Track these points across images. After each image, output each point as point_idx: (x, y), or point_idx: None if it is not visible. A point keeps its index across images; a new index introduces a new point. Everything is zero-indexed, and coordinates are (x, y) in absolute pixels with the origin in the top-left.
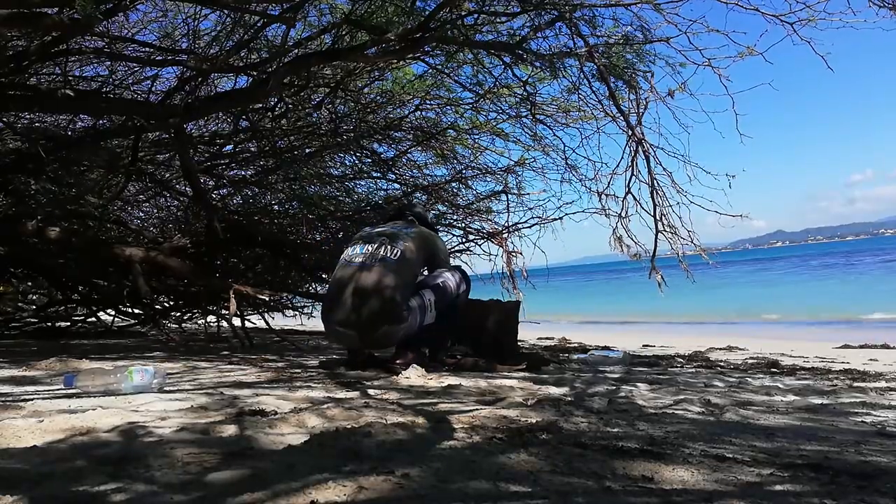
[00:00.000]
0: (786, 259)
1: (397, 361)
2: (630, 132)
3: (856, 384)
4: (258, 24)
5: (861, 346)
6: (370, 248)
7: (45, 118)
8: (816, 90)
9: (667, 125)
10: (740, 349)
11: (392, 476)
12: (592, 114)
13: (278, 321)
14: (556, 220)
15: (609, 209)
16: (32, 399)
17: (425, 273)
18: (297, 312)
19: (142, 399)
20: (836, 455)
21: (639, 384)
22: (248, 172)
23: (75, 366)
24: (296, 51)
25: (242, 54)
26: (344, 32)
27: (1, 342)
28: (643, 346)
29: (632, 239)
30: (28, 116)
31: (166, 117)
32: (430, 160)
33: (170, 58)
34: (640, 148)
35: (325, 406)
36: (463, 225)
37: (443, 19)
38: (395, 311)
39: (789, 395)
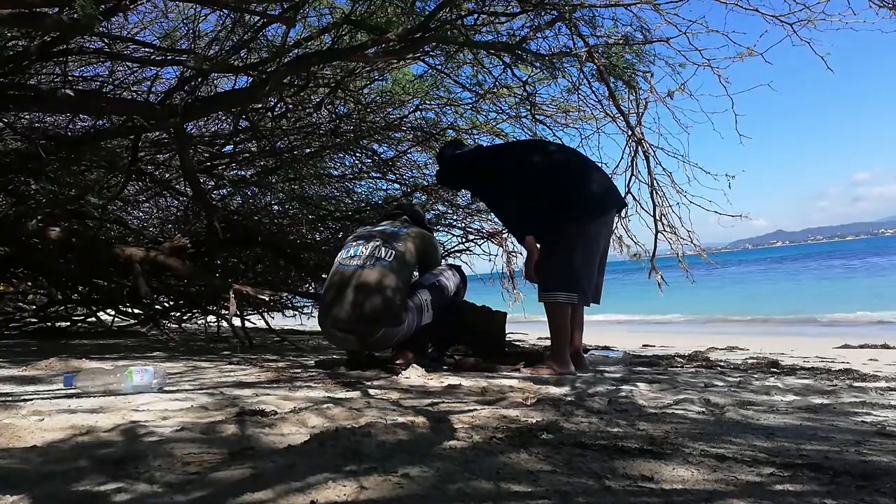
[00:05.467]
0: (786, 259)
1: (397, 361)
2: (630, 132)
3: (856, 384)
4: (258, 25)
5: (861, 346)
6: (366, 250)
7: (45, 118)
8: (818, 90)
9: (666, 125)
10: (740, 349)
11: (393, 476)
12: (592, 114)
13: (278, 321)
14: None
15: None
16: (32, 399)
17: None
18: (297, 312)
19: (142, 399)
20: (836, 455)
21: (639, 384)
22: (248, 172)
23: (75, 366)
24: (296, 51)
25: (242, 54)
26: (344, 32)
27: (1, 342)
28: (643, 346)
29: (632, 239)
30: (28, 116)
31: (166, 117)
32: (430, 160)
33: (170, 58)
34: (639, 148)
35: (326, 406)
36: (463, 225)
37: (443, 19)
38: (394, 313)
39: (789, 395)
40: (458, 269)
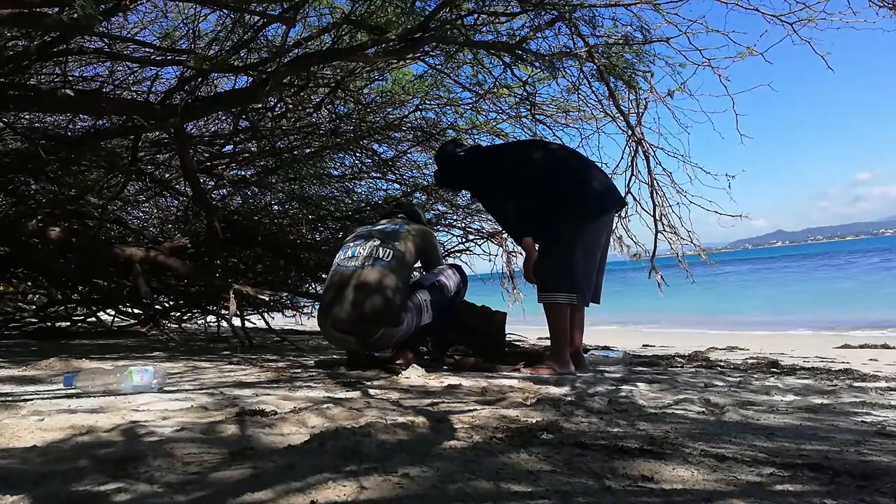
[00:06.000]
0: (786, 259)
1: (397, 361)
2: (630, 132)
3: (856, 384)
4: (258, 25)
5: (861, 346)
6: (364, 250)
7: (45, 118)
8: (820, 90)
9: (666, 125)
10: (740, 349)
11: (393, 476)
12: (592, 114)
13: (278, 321)
14: None
15: None
16: (32, 399)
17: (423, 271)
18: (297, 312)
19: (142, 399)
20: (836, 455)
21: (639, 384)
22: (248, 172)
23: (76, 366)
24: (296, 51)
25: (242, 54)
26: (344, 32)
27: (1, 342)
28: (643, 346)
29: (632, 239)
30: (28, 116)
31: (166, 117)
32: (430, 160)
33: (170, 58)
34: (639, 148)
35: (326, 406)
36: (463, 225)
37: (443, 19)
38: (393, 313)
39: (789, 395)
40: (458, 268)
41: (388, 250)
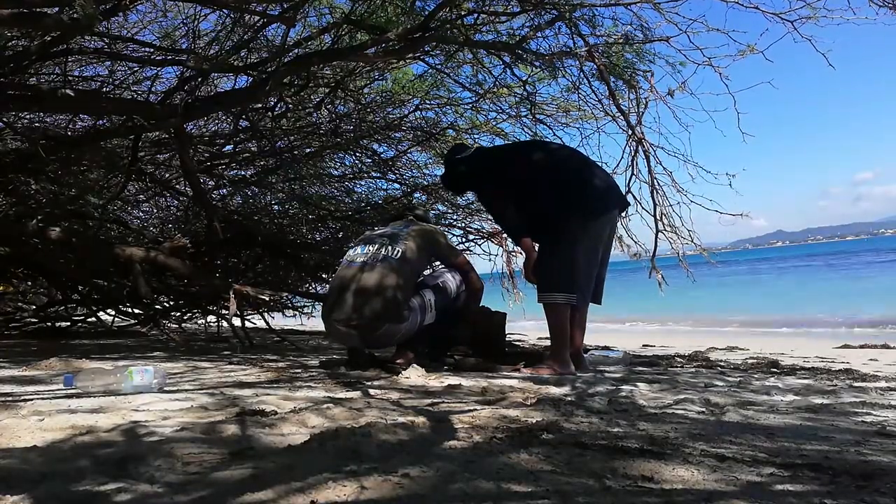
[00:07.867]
0: (786, 259)
1: (398, 361)
2: (630, 132)
3: (856, 384)
4: (258, 25)
5: (861, 346)
6: (372, 249)
7: (45, 118)
8: (821, 89)
9: (667, 125)
10: (740, 349)
11: (393, 476)
12: (592, 113)
13: (278, 321)
14: None
15: None
16: (33, 399)
17: (436, 266)
18: (297, 312)
19: (142, 399)
20: (836, 455)
21: (639, 384)
22: (248, 172)
23: (76, 366)
24: (296, 51)
25: (242, 54)
26: (344, 32)
27: (1, 342)
28: (643, 346)
29: (632, 238)
30: (28, 116)
31: (166, 117)
32: (430, 160)
33: (170, 58)
34: (640, 147)
35: (326, 406)
36: (463, 225)
37: (443, 19)
38: (397, 310)
39: (789, 395)
40: (471, 272)
41: (392, 249)
